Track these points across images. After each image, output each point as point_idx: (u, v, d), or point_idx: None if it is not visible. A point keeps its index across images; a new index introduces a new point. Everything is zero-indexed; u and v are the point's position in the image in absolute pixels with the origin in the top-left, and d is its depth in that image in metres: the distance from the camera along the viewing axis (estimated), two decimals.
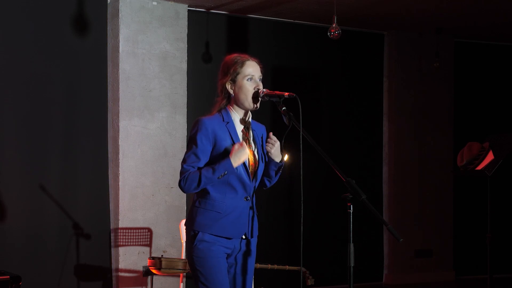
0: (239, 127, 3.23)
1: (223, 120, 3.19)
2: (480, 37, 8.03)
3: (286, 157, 3.30)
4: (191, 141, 3.16)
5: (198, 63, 6.64)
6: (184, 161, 3.16)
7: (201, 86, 6.55)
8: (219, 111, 3.24)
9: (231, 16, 6.87)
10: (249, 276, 3.29)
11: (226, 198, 3.17)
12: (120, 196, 6.07)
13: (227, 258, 3.23)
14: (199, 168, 3.12)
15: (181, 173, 3.14)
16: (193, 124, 3.19)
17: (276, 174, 3.33)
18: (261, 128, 3.38)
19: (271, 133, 3.26)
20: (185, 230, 3.28)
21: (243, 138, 3.22)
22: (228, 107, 3.24)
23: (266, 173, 3.33)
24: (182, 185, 3.13)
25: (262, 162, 3.29)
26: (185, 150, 3.21)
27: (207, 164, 3.15)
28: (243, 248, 3.24)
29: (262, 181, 3.36)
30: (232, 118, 3.22)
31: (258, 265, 5.21)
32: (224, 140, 3.15)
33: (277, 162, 3.27)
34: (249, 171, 3.21)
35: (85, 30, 6.09)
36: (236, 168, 3.10)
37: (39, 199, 5.85)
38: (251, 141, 3.26)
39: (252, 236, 3.26)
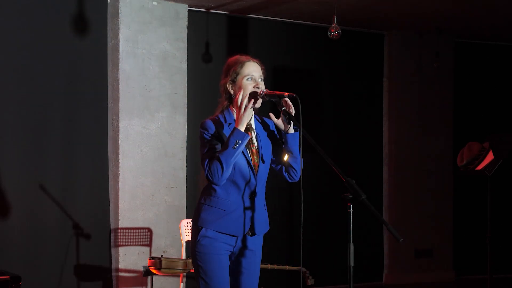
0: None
1: (226, 122, 3.23)
2: (480, 37, 8.03)
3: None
4: (203, 140, 3.19)
5: (198, 63, 6.63)
6: (203, 160, 3.15)
7: (201, 86, 6.55)
8: (222, 112, 3.28)
9: (231, 16, 6.87)
10: (255, 275, 3.31)
11: (230, 195, 3.20)
12: (120, 196, 6.07)
13: (231, 256, 3.26)
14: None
15: (205, 168, 3.13)
16: (199, 127, 3.22)
17: (297, 148, 3.28)
18: (265, 125, 3.38)
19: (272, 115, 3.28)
20: (191, 226, 3.32)
21: None
22: (231, 107, 3.28)
23: (286, 163, 3.31)
24: (211, 178, 3.10)
25: (263, 162, 3.30)
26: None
27: None
28: (248, 246, 3.26)
29: (288, 172, 3.33)
30: (234, 119, 3.23)
31: None
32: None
33: (293, 134, 3.25)
34: (253, 169, 3.23)
35: (85, 30, 6.09)
36: (246, 134, 3.07)
37: (39, 199, 5.85)
38: (254, 140, 3.28)
39: (256, 234, 3.28)
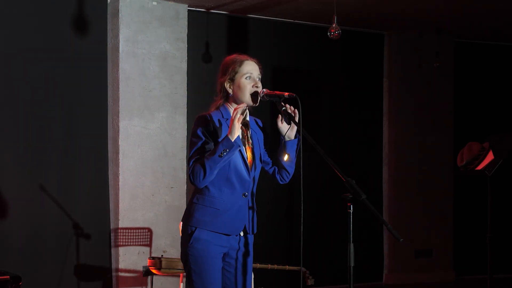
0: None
1: (223, 117, 3.23)
2: (480, 37, 8.03)
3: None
4: (194, 137, 3.17)
5: (198, 63, 6.64)
6: (190, 158, 3.15)
7: (201, 86, 6.54)
8: (217, 108, 3.27)
9: (231, 16, 6.87)
10: (249, 274, 3.30)
11: (224, 194, 3.19)
12: (120, 196, 6.07)
13: (224, 257, 3.24)
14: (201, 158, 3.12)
15: (189, 168, 3.14)
16: (194, 121, 3.22)
17: (295, 153, 3.29)
18: (260, 126, 3.39)
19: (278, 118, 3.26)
20: (181, 226, 3.28)
21: (242, 135, 3.23)
22: (226, 104, 3.28)
23: (280, 165, 3.32)
24: (192, 179, 3.11)
25: (260, 161, 3.31)
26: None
27: None
28: (241, 246, 3.26)
29: (281, 174, 3.35)
30: (231, 115, 3.23)
31: (258, 265, 5.21)
32: (223, 136, 3.16)
33: (292, 141, 3.25)
34: (249, 166, 3.23)
35: (85, 30, 6.09)
36: (236, 142, 3.05)
37: (39, 199, 5.85)
38: (249, 138, 3.29)
39: (251, 233, 3.28)
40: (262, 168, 3.39)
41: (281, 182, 3.41)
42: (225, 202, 3.19)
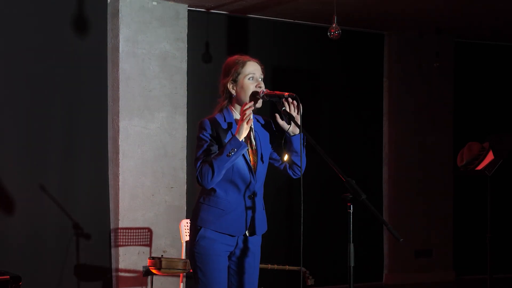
0: None
1: (225, 120, 3.23)
2: (480, 37, 8.03)
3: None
4: (199, 140, 3.19)
5: (198, 63, 6.64)
6: (196, 160, 3.16)
7: (201, 86, 6.55)
8: (221, 111, 3.27)
9: (231, 16, 6.87)
10: (255, 275, 3.31)
11: (229, 195, 3.20)
12: (120, 196, 6.07)
13: (230, 257, 3.26)
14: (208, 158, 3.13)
15: (196, 169, 3.14)
16: (197, 126, 3.23)
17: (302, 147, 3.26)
18: (265, 125, 3.37)
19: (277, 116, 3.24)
20: (190, 225, 3.32)
21: (245, 138, 3.23)
22: (230, 107, 3.28)
23: (291, 160, 3.31)
24: (200, 180, 3.12)
25: (262, 162, 3.30)
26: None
27: None
28: (247, 246, 3.27)
29: (293, 169, 3.33)
30: (234, 118, 3.25)
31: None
32: (226, 139, 3.17)
33: (298, 135, 3.22)
34: (252, 169, 3.23)
35: (85, 30, 6.09)
36: (243, 142, 3.05)
37: (39, 199, 5.85)
38: (252, 140, 3.28)
39: (255, 234, 3.28)
40: (271, 165, 3.38)
41: (294, 177, 3.39)
42: (230, 203, 3.20)
